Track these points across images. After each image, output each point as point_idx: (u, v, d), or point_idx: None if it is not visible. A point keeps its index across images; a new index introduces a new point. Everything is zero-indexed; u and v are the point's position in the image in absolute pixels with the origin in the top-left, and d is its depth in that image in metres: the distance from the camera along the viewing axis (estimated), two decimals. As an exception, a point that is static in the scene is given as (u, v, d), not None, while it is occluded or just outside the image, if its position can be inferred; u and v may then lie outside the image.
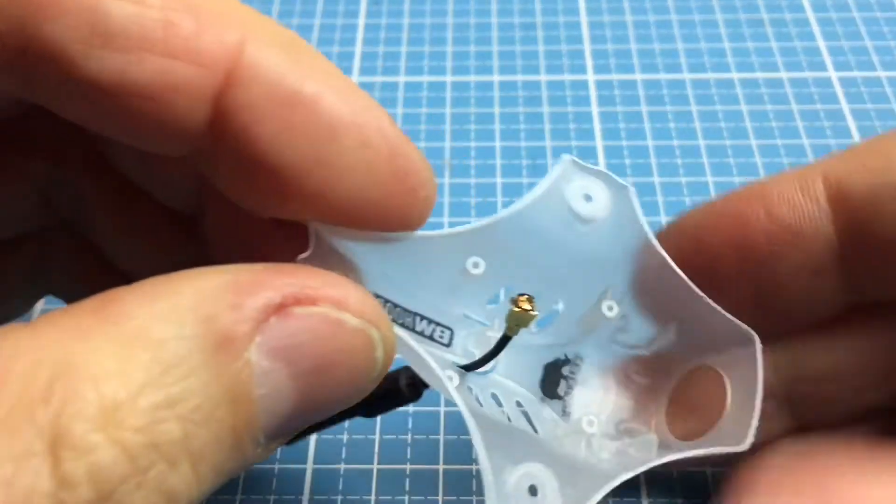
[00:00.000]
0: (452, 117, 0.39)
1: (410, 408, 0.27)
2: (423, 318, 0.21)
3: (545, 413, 0.23)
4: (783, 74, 0.41)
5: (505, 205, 0.36)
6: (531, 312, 0.20)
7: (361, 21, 0.44)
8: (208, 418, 0.13)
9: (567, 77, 0.41)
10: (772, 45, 0.42)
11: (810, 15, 0.44)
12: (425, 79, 0.41)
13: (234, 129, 0.16)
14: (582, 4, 0.45)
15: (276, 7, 0.45)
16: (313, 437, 0.29)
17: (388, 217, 0.17)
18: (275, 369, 0.14)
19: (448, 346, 0.22)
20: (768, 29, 0.43)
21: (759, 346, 0.20)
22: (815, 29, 0.43)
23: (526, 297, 0.20)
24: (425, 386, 0.20)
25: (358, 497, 0.27)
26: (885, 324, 0.21)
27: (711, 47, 0.42)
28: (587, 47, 0.43)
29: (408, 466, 0.28)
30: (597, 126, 0.39)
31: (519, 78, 0.41)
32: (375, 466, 0.28)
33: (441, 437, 0.29)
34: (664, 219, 0.35)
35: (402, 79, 0.41)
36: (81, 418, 0.12)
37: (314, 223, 0.17)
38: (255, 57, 0.15)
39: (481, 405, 0.21)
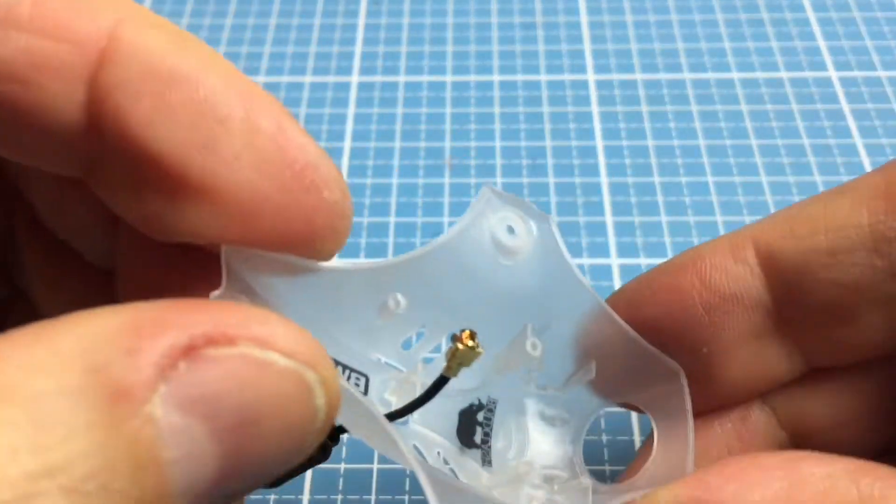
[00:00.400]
0: (452, 117, 0.39)
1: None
2: (337, 363, 0.19)
3: (468, 465, 0.21)
4: (783, 74, 0.41)
5: (505, 205, 0.36)
6: (477, 350, 0.19)
7: (361, 21, 0.44)
8: (104, 489, 0.11)
9: (567, 77, 0.41)
10: (772, 45, 0.42)
11: (811, 15, 0.44)
12: (425, 79, 0.41)
13: (110, 112, 0.14)
14: (582, 4, 0.45)
15: (276, 6, 0.45)
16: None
17: (292, 223, 0.15)
18: (188, 426, 0.12)
19: (364, 394, 0.20)
20: (769, 29, 0.43)
21: (684, 380, 0.20)
22: (816, 29, 0.43)
23: (468, 332, 0.19)
24: (335, 442, 0.18)
25: (358, 497, 0.27)
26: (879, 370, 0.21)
27: (712, 47, 0.42)
28: (587, 47, 0.43)
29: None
30: (597, 126, 0.39)
31: (519, 78, 0.41)
32: (375, 466, 0.28)
33: (441, 437, 0.29)
34: (664, 219, 0.35)
35: (402, 78, 0.41)
36: None
37: (225, 247, 0.16)
38: (131, 36, 0.14)
39: None
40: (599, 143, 0.38)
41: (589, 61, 0.42)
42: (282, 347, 0.13)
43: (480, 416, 0.22)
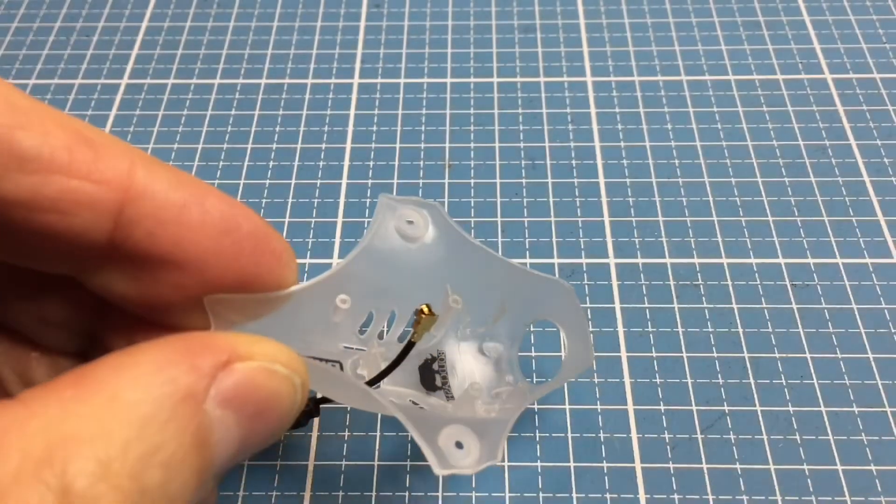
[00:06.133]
0: (452, 118, 0.40)
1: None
2: (315, 359, 0.24)
3: (435, 403, 0.27)
4: (779, 76, 0.41)
5: (503, 205, 0.36)
6: (434, 316, 0.25)
7: (362, 24, 0.45)
8: (180, 463, 0.16)
9: (565, 79, 0.42)
10: (768, 48, 0.43)
11: (806, 17, 0.44)
12: (425, 80, 0.42)
13: (138, 237, 0.19)
14: (580, 7, 0.45)
15: (278, 9, 0.45)
16: (314, 434, 0.29)
17: (270, 283, 0.21)
18: (225, 416, 0.17)
19: None
20: (764, 31, 0.44)
21: (572, 291, 0.26)
22: (811, 31, 0.43)
23: (427, 306, 0.25)
24: (317, 413, 0.26)
25: (359, 493, 0.28)
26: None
27: (708, 49, 0.43)
28: (585, 49, 0.43)
29: (408, 463, 0.28)
30: (595, 127, 0.39)
31: (518, 79, 0.42)
32: (376, 463, 0.28)
33: (441, 434, 0.29)
34: (661, 219, 0.35)
35: (402, 80, 0.42)
36: (83, 474, 0.14)
37: (209, 299, 0.20)
38: (146, 177, 0.18)
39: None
40: (597, 144, 0.38)
41: (587, 63, 0.42)
42: (281, 361, 0.18)
43: (436, 366, 0.28)
